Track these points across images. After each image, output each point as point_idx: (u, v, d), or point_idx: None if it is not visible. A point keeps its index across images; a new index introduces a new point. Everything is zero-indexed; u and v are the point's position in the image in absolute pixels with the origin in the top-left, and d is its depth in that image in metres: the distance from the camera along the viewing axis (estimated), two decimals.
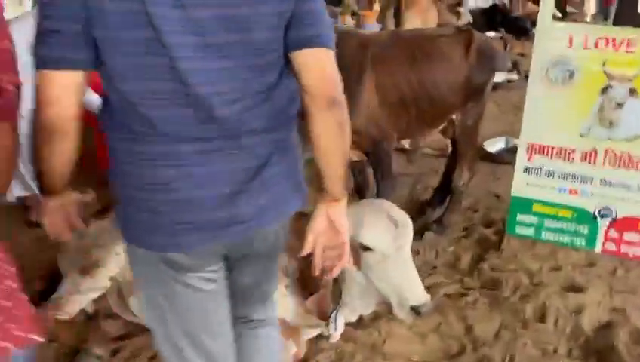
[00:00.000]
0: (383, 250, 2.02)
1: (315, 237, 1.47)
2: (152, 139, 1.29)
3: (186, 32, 1.19)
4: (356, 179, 3.26)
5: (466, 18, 9.02)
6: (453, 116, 3.17)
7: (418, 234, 3.37)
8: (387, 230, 2.04)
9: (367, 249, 2.04)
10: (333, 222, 1.46)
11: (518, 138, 3.09)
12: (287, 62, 1.35)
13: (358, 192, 3.30)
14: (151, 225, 1.36)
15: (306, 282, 2.33)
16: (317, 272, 1.51)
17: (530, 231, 3.16)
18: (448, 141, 3.66)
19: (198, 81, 1.23)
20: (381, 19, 6.86)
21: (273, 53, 1.31)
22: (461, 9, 9.52)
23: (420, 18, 5.79)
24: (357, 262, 2.09)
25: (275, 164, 1.39)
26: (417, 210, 3.72)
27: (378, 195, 3.00)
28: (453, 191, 3.41)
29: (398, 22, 6.00)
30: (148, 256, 1.42)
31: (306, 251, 1.48)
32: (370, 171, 3.13)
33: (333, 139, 1.35)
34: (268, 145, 1.38)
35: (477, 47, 3.04)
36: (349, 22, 10.12)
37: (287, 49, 1.32)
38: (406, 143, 3.16)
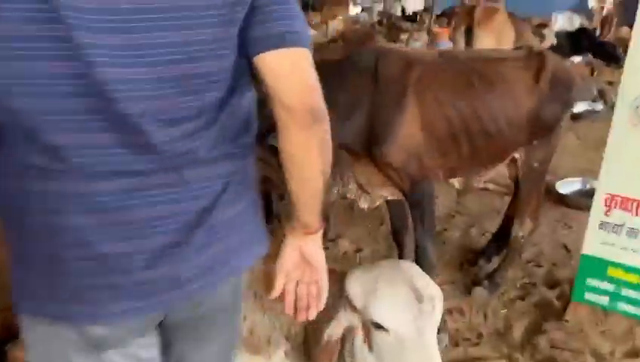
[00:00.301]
0: (398, 331, 1.56)
1: (286, 277, 1.26)
2: (60, 176, 0.99)
3: (104, 28, 0.91)
4: (393, 222, 2.79)
5: (551, 40, 8.38)
6: (516, 154, 2.65)
7: (466, 289, 2.90)
8: (407, 306, 1.58)
9: (379, 326, 1.59)
10: (308, 258, 1.25)
11: (597, 179, 2.53)
12: (246, 68, 1.09)
13: (396, 239, 2.82)
14: (59, 290, 1.04)
15: (311, 349, 1.90)
16: (290, 312, 1.31)
17: (602, 300, 2.61)
18: None
19: (122, 94, 0.95)
20: (452, 37, 6.37)
21: (224, 57, 1.03)
22: (546, 31, 8.89)
23: (493, 38, 5.27)
24: (368, 339, 1.65)
25: (228, 202, 1.13)
26: (469, 260, 3.21)
27: (417, 244, 2.53)
28: (512, 243, 2.87)
29: (469, 41, 5.50)
30: (53, 332, 1.08)
31: (274, 294, 1.28)
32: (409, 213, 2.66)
33: (313, 161, 1.12)
34: (218, 178, 1.11)
35: (550, 75, 2.52)
36: (423, 39, 9.68)
37: (251, 50, 1.05)
38: (456, 182, 2.68)
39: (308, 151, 1.10)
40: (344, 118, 2.36)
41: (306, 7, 14.32)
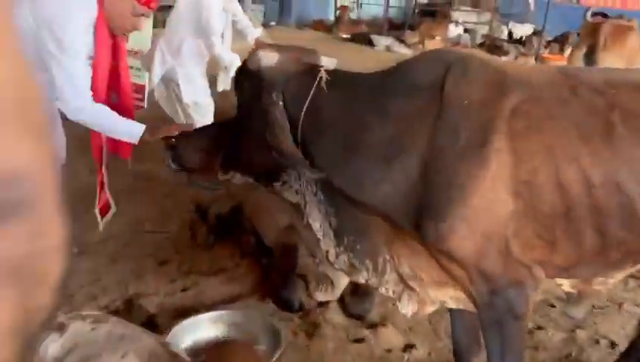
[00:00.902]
0: None
1: None
2: None
3: None
4: (455, 337, 1.75)
5: None
6: None
7: None
8: None
9: None
10: None
11: None
12: None
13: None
14: None
15: None
16: None
17: None
18: None
19: None
20: (569, 63, 5.24)
21: None
22: None
23: (622, 63, 4.08)
24: None
25: None
26: None
27: None
28: None
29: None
30: None
31: None
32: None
33: None
34: None
35: None
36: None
37: None
38: (566, 283, 1.65)
39: None
40: (382, 166, 1.41)
41: (402, 26, 13.56)
